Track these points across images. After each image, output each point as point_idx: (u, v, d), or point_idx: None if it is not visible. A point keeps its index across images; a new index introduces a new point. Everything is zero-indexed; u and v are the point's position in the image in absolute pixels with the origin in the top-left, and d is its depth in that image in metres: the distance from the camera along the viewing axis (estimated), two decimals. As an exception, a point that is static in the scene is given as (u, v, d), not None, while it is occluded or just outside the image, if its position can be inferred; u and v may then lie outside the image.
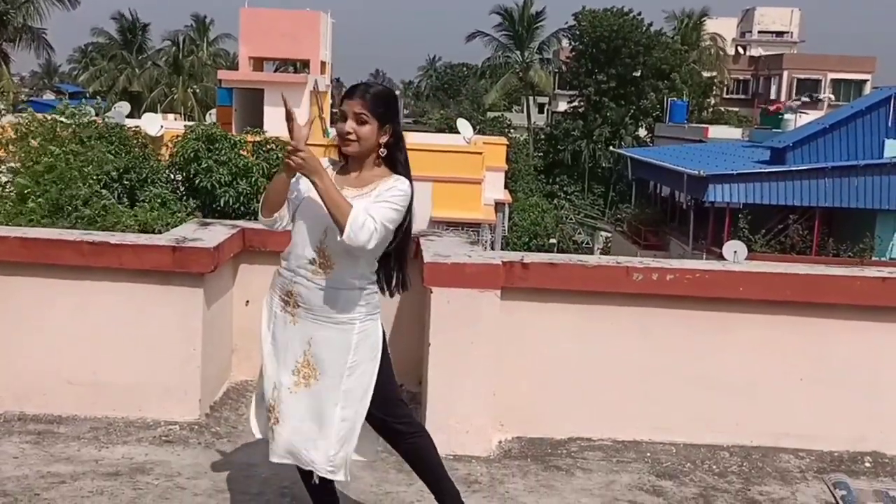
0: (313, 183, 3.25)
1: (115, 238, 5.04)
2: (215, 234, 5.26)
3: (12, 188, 13.86)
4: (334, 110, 54.78)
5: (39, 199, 13.18)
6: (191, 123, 21.85)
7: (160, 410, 5.01)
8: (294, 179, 3.39)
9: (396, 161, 3.45)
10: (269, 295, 3.58)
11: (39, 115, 15.81)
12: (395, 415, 3.62)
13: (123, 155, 16.27)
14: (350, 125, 3.34)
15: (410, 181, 3.45)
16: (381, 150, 3.42)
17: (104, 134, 16.45)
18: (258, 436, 3.68)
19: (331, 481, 3.56)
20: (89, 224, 13.26)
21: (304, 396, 3.43)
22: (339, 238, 3.22)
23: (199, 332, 4.97)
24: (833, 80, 67.18)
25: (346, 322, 3.41)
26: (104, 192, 14.63)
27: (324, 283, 3.37)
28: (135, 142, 17.25)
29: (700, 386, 4.98)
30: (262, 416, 3.62)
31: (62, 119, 15.60)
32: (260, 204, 3.56)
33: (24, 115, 15.78)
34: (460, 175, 27.50)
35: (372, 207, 3.27)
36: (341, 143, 3.38)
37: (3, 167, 15.17)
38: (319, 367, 3.42)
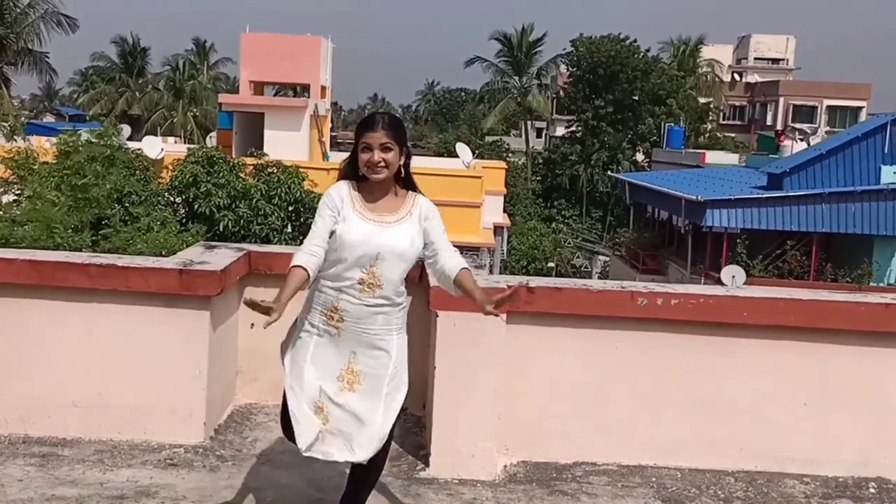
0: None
1: (122, 261, 5.06)
2: (222, 257, 5.28)
3: (36, 203, 14.12)
4: (333, 134, 55.06)
5: (64, 211, 13.54)
6: (192, 147, 21.93)
7: (165, 433, 5.00)
8: (338, 206, 3.74)
9: (410, 178, 3.86)
10: (305, 312, 3.84)
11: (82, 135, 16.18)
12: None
13: (127, 177, 16.40)
14: (378, 155, 3.67)
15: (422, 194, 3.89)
16: (402, 170, 3.80)
17: (118, 157, 16.64)
18: (303, 446, 3.69)
19: (367, 481, 3.92)
20: (119, 247, 13.61)
21: (350, 399, 3.71)
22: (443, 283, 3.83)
23: (205, 355, 4.98)
24: (829, 107, 67.50)
25: (386, 335, 3.76)
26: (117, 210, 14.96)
27: (371, 301, 3.71)
28: (136, 164, 17.31)
29: (704, 411, 4.99)
30: (305, 422, 3.69)
31: (93, 140, 16.00)
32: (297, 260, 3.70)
33: (27, 138, 16.08)
34: (459, 199, 27.53)
35: (449, 252, 3.81)
36: (371, 172, 3.69)
37: (12, 188, 15.42)
38: (362, 373, 3.74)
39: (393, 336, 3.78)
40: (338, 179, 3.85)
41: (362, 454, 3.67)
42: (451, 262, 3.80)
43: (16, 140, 16.84)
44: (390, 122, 3.74)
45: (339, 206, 3.74)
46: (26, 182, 15.34)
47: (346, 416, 3.69)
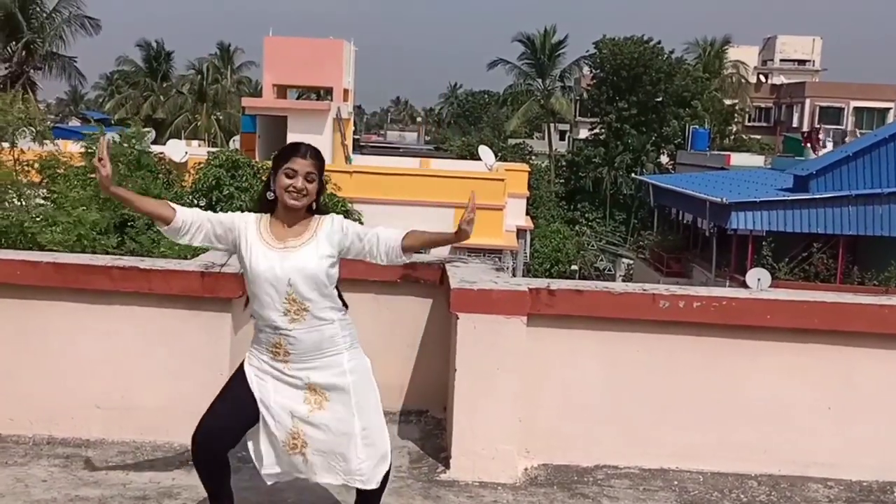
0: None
1: (144, 263, 5.09)
2: (243, 259, 5.29)
3: (63, 204, 14.30)
4: (356, 137, 55.21)
5: (90, 212, 13.73)
6: (215, 150, 22.08)
7: (187, 435, 4.97)
8: (239, 226, 3.76)
9: (321, 207, 3.80)
10: (250, 354, 3.81)
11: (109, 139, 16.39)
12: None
13: (153, 180, 16.56)
14: (302, 183, 3.67)
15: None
16: (314, 205, 3.75)
17: (144, 160, 16.81)
18: (270, 472, 3.84)
19: (373, 493, 3.82)
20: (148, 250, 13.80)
21: (322, 417, 3.70)
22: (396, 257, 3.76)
23: (227, 357, 5.00)
24: (855, 108, 66.97)
25: (335, 354, 3.71)
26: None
27: (306, 326, 3.67)
28: (161, 168, 17.45)
29: (727, 414, 4.96)
30: (271, 452, 3.80)
31: (125, 144, 16.23)
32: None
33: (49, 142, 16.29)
34: (482, 202, 27.38)
35: (377, 229, 3.80)
36: (291, 197, 3.67)
37: (39, 191, 15.62)
38: (326, 391, 3.71)
39: (343, 354, 3.72)
40: (255, 208, 3.85)
41: (359, 479, 3.72)
42: (387, 233, 3.78)
43: (46, 144, 17.03)
44: (315, 154, 3.74)
45: (238, 227, 3.74)
46: (55, 184, 15.52)
47: (325, 437, 3.69)
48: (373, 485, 3.76)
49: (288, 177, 3.66)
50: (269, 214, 3.78)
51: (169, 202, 3.81)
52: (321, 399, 3.70)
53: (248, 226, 3.75)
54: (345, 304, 3.83)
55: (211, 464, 3.81)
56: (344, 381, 3.70)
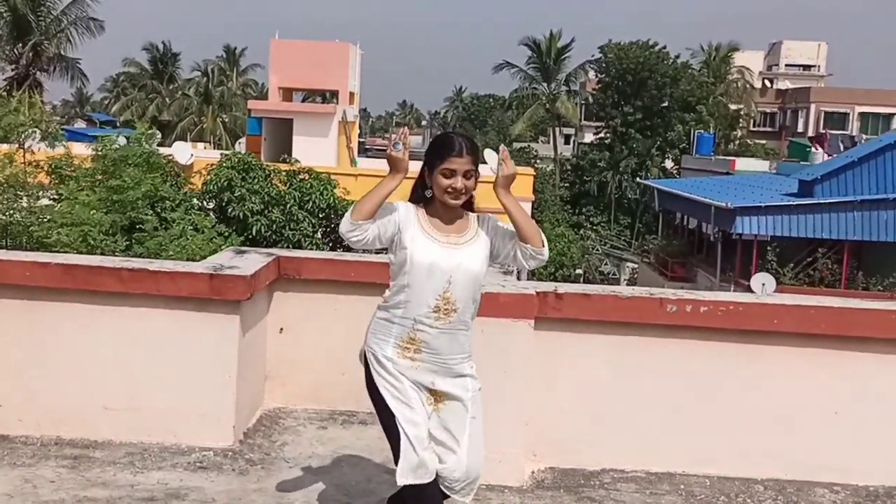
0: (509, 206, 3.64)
1: (153, 265, 5.11)
2: (251, 262, 5.32)
3: (73, 205, 14.38)
4: (362, 140, 55.20)
5: (99, 213, 13.81)
6: (225, 152, 22.13)
7: (195, 436, 5.04)
8: (401, 221, 3.57)
9: (473, 201, 3.70)
10: (375, 348, 3.63)
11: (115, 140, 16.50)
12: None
13: (162, 182, 16.62)
14: (462, 183, 3.54)
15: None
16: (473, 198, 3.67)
17: (154, 162, 16.87)
18: (403, 479, 3.54)
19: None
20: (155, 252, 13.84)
21: (436, 418, 3.60)
22: (530, 257, 3.63)
23: (235, 359, 5.01)
24: (861, 114, 66.91)
25: (462, 362, 3.64)
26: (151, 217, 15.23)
27: (448, 326, 3.56)
28: (168, 169, 17.48)
29: (734, 418, 4.97)
30: (412, 459, 3.53)
31: (131, 143, 16.31)
32: (354, 206, 3.57)
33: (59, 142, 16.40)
34: (487, 205, 27.49)
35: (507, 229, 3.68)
36: (451, 198, 3.55)
37: (47, 193, 15.70)
38: (445, 398, 3.61)
39: (466, 363, 3.66)
40: (410, 200, 3.68)
41: (458, 486, 3.57)
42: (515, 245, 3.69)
43: (56, 146, 17.11)
44: (472, 148, 3.58)
45: (401, 221, 3.58)
46: (63, 185, 15.59)
47: (437, 434, 3.59)
48: (469, 498, 3.65)
49: (445, 177, 3.53)
50: (423, 207, 3.65)
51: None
52: (439, 402, 3.61)
53: (409, 216, 3.60)
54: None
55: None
56: (465, 395, 3.62)
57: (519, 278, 5.07)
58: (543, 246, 3.63)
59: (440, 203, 3.59)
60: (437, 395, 3.61)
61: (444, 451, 3.58)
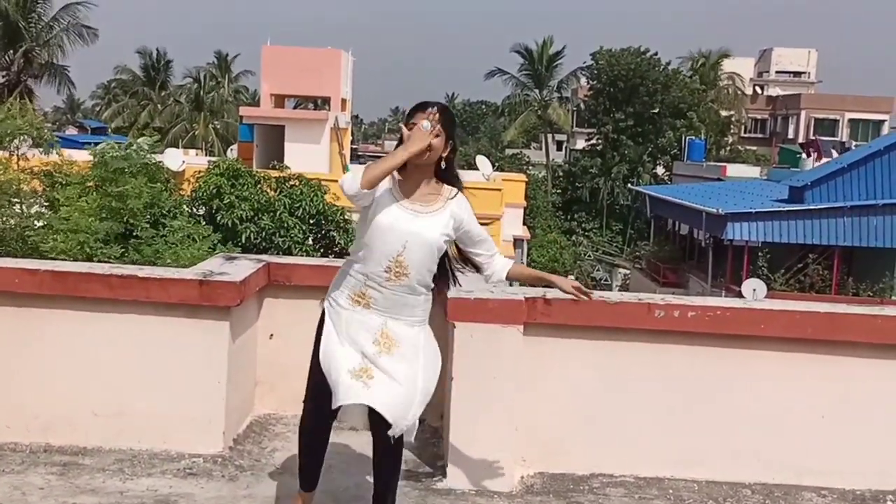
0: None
1: (143, 271, 5.11)
2: (241, 268, 5.32)
3: (71, 213, 14.36)
4: (354, 146, 55.23)
5: (95, 220, 13.81)
6: (214, 159, 22.13)
7: (184, 443, 5.04)
8: (374, 199, 3.72)
9: (452, 174, 3.87)
10: (332, 295, 3.91)
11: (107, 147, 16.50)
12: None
13: (160, 191, 16.61)
14: (430, 138, 3.69)
15: (461, 189, 3.89)
16: (442, 163, 3.80)
17: (152, 171, 16.85)
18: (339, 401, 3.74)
19: (398, 447, 3.87)
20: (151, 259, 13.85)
21: (389, 362, 3.76)
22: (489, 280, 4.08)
23: (225, 365, 5.02)
24: (850, 120, 67.21)
25: (410, 322, 3.83)
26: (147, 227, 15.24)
27: (397, 289, 3.77)
28: (159, 176, 17.46)
29: (722, 423, 4.99)
30: (343, 384, 3.74)
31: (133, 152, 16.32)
32: (362, 173, 3.65)
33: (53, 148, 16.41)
34: (479, 211, 27.31)
35: (492, 255, 4.04)
36: (415, 157, 3.67)
37: (41, 199, 15.67)
38: (396, 339, 3.79)
39: (416, 327, 3.84)
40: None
41: (390, 414, 3.67)
42: (501, 262, 4.04)
43: (50, 153, 17.07)
44: (442, 109, 3.75)
45: (380, 184, 3.72)
46: (58, 191, 15.56)
47: (383, 376, 3.73)
48: (411, 437, 3.85)
49: (411, 129, 3.70)
50: (399, 172, 3.78)
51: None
52: (391, 344, 3.77)
53: (382, 184, 3.73)
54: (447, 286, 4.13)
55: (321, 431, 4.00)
56: (417, 340, 3.83)
57: (511, 284, 5.08)
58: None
59: (412, 166, 3.73)
60: (389, 337, 3.78)
61: (383, 385, 3.71)
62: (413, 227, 3.72)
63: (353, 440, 5.35)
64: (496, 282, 4.12)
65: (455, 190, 3.86)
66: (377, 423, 3.73)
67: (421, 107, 3.76)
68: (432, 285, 3.90)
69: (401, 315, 3.80)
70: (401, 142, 3.74)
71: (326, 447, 4.11)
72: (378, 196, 3.72)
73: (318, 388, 3.86)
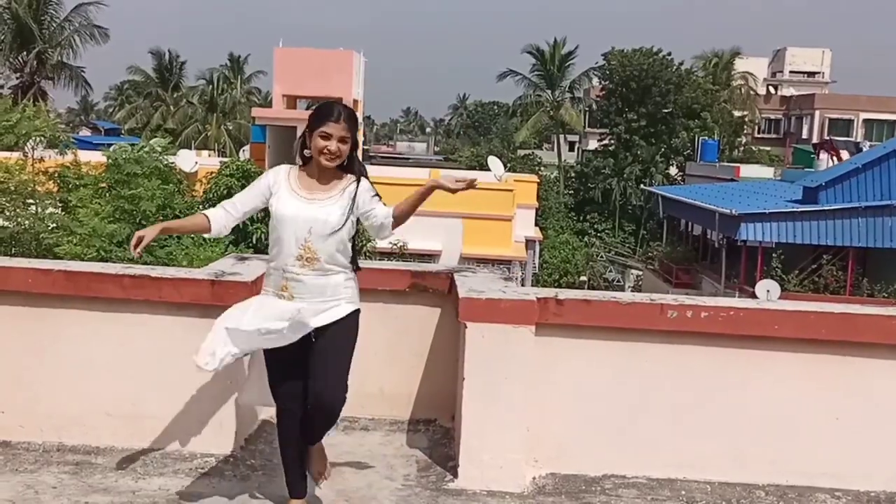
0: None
1: (155, 272, 5.12)
2: (252, 268, 5.33)
3: (88, 215, 14.42)
4: (366, 147, 55.28)
5: (114, 227, 13.85)
6: (226, 160, 22.18)
7: (196, 442, 5.05)
8: (270, 186, 4.09)
9: (353, 165, 4.11)
10: (262, 293, 4.17)
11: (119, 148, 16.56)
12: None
13: (174, 193, 16.68)
14: (336, 146, 3.99)
15: (365, 174, 4.15)
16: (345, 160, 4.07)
17: (167, 174, 16.91)
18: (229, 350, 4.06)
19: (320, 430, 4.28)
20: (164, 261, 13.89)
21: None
22: (378, 230, 4.07)
23: (237, 365, 5.01)
24: (865, 120, 66.88)
25: (335, 303, 4.07)
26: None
27: (311, 274, 4.01)
28: (172, 178, 17.53)
29: (735, 424, 4.96)
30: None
31: (144, 153, 16.38)
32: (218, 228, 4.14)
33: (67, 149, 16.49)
34: (491, 212, 27.57)
35: (378, 206, 4.07)
36: (326, 159, 3.99)
37: (55, 200, 15.75)
38: (321, 332, 4.06)
39: (341, 304, 4.07)
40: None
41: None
42: (382, 211, 4.08)
43: (66, 154, 17.17)
44: (349, 116, 4.00)
45: (271, 185, 4.06)
46: (71, 192, 15.64)
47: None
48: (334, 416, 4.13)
49: (323, 139, 3.96)
50: (298, 167, 4.11)
51: (203, 213, 4.18)
52: (319, 335, 4.06)
53: (279, 178, 4.08)
54: (357, 267, 4.21)
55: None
56: (332, 327, 4.05)
57: (522, 285, 5.07)
58: (391, 234, 4.15)
59: (316, 163, 4.02)
60: (317, 330, 4.03)
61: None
62: (312, 214, 3.98)
63: (364, 439, 5.35)
64: (386, 228, 4.09)
65: (353, 176, 4.08)
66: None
67: (326, 113, 3.99)
68: (350, 266, 4.12)
69: (324, 297, 4.02)
70: (303, 146, 4.06)
71: (303, 450, 4.30)
72: (278, 193, 4.03)
73: (278, 388, 4.20)
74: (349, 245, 4.10)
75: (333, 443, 5.28)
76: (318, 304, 4.02)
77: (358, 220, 4.13)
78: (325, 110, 4.01)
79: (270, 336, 3.97)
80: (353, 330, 4.14)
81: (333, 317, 4.05)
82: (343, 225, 4.01)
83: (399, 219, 4.09)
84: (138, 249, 3.94)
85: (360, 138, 4.17)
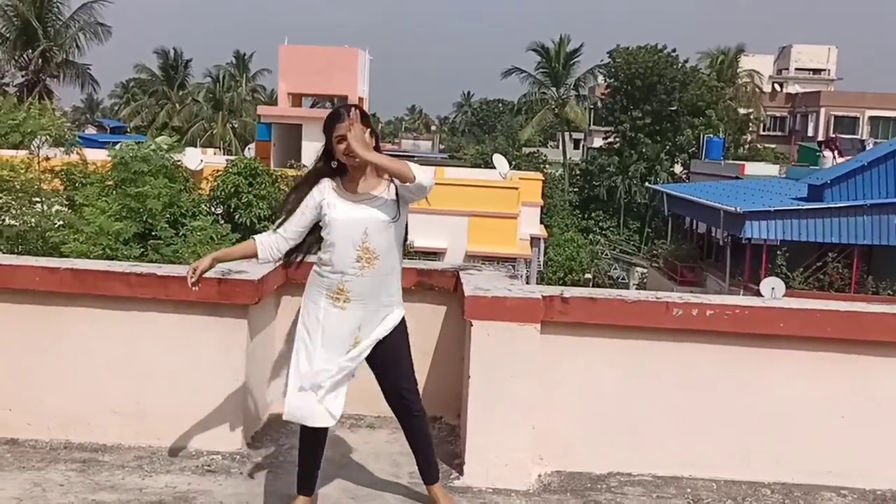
0: (367, 160, 3.94)
1: (161, 270, 5.14)
2: (259, 266, 5.33)
3: (94, 213, 14.46)
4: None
5: (120, 225, 13.89)
6: (232, 158, 22.20)
7: (203, 440, 5.07)
8: (318, 202, 4.08)
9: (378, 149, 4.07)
10: (311, 296, 4.14)
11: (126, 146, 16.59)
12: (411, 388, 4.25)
13: (180, 192, 16.70)
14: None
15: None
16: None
17: (173, 172, 16.93)
18: (295, 415, 4.14)
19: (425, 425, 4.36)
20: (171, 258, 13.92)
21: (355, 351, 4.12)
22: (409, 185, 3.93)
23: (243, 363, 5.04)
24: (871, 118, 66.73)
25: (388, 309, 4.14)
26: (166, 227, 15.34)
27: (371, 273, 4.04)
28: (179, 176, 17.55)
29: (740, 422, 4.97)
30: (298, 400, 4.12)
31: (150, 152, 16.41)
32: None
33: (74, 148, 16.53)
34: (496, 210, 27.57)
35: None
36: (350, 157, 3.99)
37: (58, 198, 15.77)
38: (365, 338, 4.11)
39: (394, 309, 4.16)
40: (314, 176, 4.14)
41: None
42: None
43: (72, 152, 17.18)
44: (355, 111, 4.03)
45: (319, 200, 4.07)
46: (78, 192, 15.68)
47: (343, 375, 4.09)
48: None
49: (340, 143, 4.00)
50: (339, 177, 4.11)
51: (253, 237, 4.25)
52: (358, 340, 4.10)
53: (325, 189, 4.10)
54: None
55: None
56: (392, 336, 4.15)
57: (527, 283, 5.08)
58: (416, 179, 3.93)
59: (349, 167, 4.06)
60: (355, 346, 4.09)
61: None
62: (367, 213, 4.02)
63: (370, 437, 5.36)
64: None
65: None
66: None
67: (334, 118, 4.05)
68: (400, 268, 4.19)
69: (380, 300, 4.09)
70: (328, 156, 4.09)
71: (323, 449, 4.31)
72: (329, 201, 4.06)
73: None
74: (402, 242, 4.17)
75: (340, 440, 5.31)
76: (374, 311, 4.09)
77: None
78: (332, 117, 4.08)
79: (343, 373, 4.09)
80: (406, 333, 4.25)
81: (389, 327, 4.14)
82: (398, 215, 4.06)
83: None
84: (194, 279, 4.08)
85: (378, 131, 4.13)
